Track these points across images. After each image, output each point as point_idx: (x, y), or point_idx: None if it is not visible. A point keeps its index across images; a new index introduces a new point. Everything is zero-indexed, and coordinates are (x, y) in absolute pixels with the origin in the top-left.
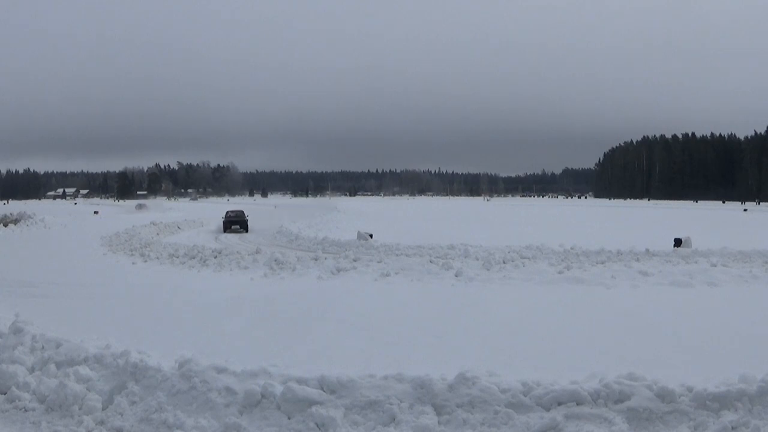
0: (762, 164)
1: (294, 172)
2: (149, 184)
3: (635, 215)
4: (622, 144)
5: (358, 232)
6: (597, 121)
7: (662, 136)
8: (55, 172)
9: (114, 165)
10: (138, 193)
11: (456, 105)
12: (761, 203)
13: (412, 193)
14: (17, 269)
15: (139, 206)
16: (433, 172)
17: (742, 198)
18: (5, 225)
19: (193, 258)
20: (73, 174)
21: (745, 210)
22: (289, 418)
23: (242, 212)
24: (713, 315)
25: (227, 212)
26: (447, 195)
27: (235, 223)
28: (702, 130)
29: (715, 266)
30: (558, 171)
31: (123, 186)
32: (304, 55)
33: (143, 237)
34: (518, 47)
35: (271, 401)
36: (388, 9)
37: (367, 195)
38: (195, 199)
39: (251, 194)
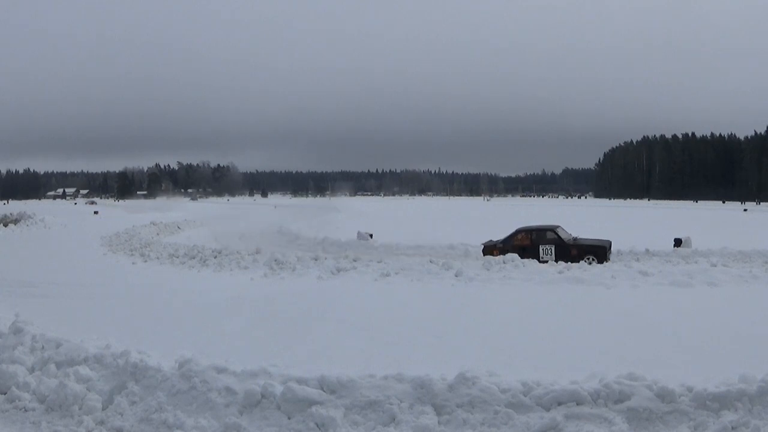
0: (762, 164)
1: (294, 172)
2: (149, 184)
3: (635, 215)
4: (622, 144)
5: (358, 232)
6: (597, 121)
7: (662, 136)
8: (55, 172)
9: (114, 165)
10: (138, 192)
11: (456, 105)
12: (761, 203)
13: (412, 193)
14: (17, 269)
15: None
16: (433, 172)
17: (742, 198)
18: (5, 225)
19: (193, 258)
20: (73, 174)
21: (745, 210)
22: (289, 418)
23: (559, 227)
24: (713, 315)
25: (525, 231)
26: (447, 195)
27: (588, 251)
28: (702, 130)
29: (715, 266)
30: (558, 171)
31: (123, 186)
32: (304, 55)
33: (143, 237)
34: (518, 47)
35: (271, 401)
36: (388, 9)
37: (366, 195)
38: (195, 198)
39: (251, 194)
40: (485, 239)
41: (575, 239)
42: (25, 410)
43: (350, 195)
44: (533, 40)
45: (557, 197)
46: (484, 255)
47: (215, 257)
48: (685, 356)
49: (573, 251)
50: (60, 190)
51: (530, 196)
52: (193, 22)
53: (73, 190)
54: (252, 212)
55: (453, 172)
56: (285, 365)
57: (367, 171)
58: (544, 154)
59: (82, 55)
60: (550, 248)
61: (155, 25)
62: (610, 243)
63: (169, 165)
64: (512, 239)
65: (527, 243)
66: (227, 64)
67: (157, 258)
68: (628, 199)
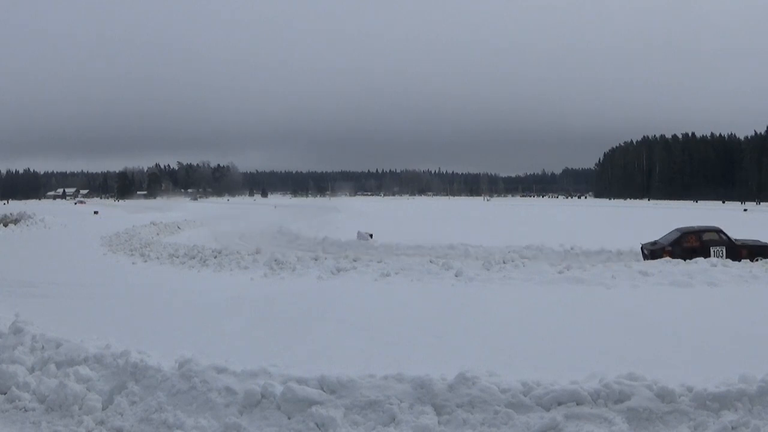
0: (762, 164)
1: (294, 172)
2: (149, 184)
3: (635, 215)
4: (622, 144)
5: (358, 232)
6: (597, 121)
7: (662, 136)
8: (55, 172)
9: (114, 165)
10: (138, 192)
11: (456, 105)
12: (761, 203)
13: (412, 193)
14: (17, 269)
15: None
16: (433, 172)
17: (742, 198)
18: (5, 225)
19: (193, 258)
20: (73, 174)
21: (745, 210)
22: (289, 418)
23: (719, 229)
24: (713, 315)
25: (691, 233)
26: (447, 195)
27: (759, 253)
28: (702, 130)
29: (715, 266)
30: (558, 171)
31: (123, 186)
32: (304, 55)
33: (143, 237)
34: (518, 47)
35: (271, 401)
36: (388, 9)
37: (366, 195)
38: (195, 198)
39: (251, 194)
40: (485, 239)
41: (737, 240)
42: (25, 410)
43: (350, 195)
44: (533, 40)
45: (557, 197)
46: (647, 257)
47: (215, 257)
48: (685, 356)
49: (743, 252)
50: (60, 190)
51: (530, 196)
52: (193, 22)
53: (73, 190)
54: (252, 212)
55: (453, 172)
56: (285, 365)
57: (367, 171)
58: (544, 154)
59: (82, 55)
60: (721, 250)
61: (155, 25)
62: None
63: (169, 165)
64: (680, 241)
65: (697, 245)
66: (227, 64)
67: (157, 258)
68: (628, 199)
